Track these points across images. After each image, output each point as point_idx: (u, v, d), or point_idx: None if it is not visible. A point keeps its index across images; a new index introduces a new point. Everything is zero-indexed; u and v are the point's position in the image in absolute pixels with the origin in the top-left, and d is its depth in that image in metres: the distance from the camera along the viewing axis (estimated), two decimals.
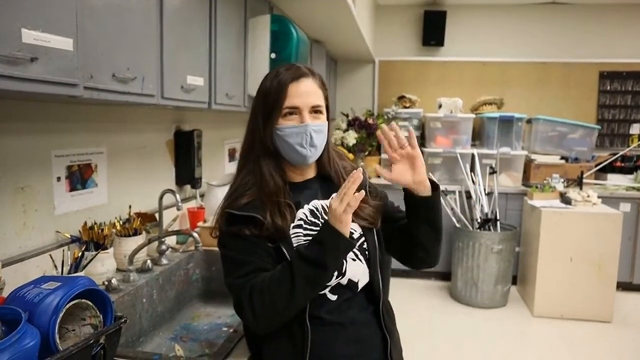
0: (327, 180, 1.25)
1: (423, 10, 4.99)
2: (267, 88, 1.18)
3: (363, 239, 1.21)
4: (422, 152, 4.25)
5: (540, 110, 4.78)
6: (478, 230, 3.94)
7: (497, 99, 4.72)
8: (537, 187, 4.05)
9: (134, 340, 1.58)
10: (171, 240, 2.10)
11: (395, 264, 1.51)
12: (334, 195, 1.08)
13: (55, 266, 1.42)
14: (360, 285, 1.18)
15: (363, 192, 1.02)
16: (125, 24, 1.31)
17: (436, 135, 4.61)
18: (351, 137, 4.67)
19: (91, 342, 0.99)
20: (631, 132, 4.85)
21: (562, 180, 4.20)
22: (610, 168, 4.47)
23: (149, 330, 1.67)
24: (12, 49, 0.91)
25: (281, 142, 1.17)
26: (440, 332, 3.46)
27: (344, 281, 1.16)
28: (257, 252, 1.11)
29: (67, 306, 0.96)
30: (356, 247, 1.18)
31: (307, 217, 1.17)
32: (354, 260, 1.17)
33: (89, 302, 1.03)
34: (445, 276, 4.36)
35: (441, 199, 1.23)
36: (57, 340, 0.93)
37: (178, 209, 1.79)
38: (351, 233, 1.16)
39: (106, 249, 1.59)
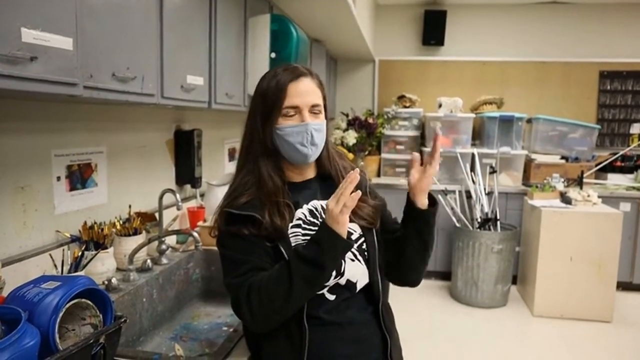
0: (327, 180, 1.25)
1: (423, 10, 4.99)
2: (265, 88, 1.17)
3: (362, 239, 1.21)
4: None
5: (540, 109, 4.78)
6: (478, 229, 3.94)
7: (497, 99, 4.71)
8: (537, 187, 4.05)
9: (134, 340, 1.58)
10: (171, 240, 2.10)
11: None
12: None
13: (55, 266, 1.42)
14: (359, 286, 1.18)
15: (359, 191, 1.02)
16: (125, 23, 1.31)
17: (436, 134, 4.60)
18: (351, 137, 4.66)
19: (91, 341, 0.98)
20: (631, 131, 4.85)
21: (563, 179, 4.20)
22: (610, 168, 4.47)
23: (149, 330, 1.67)
24: (12, 48, 0.91)
25: (281, 142, 1.17)
26: (440, 331, 3.46)
27: (342, 281, 1.16)
28: (256, 252, 1.12)
29: (67, 306, 0.96)
30: (355, 247, 1.18)
31: (306, 217, 1.17)
32: (352, 260, 1.17)
33: (89, 302, 1.03)
34: (445, 276, 4.36)
35: (436, 218, 1.23)
36: (57, 340, 0.93)
37: (178, 209, 1.79)
38: (350, 233, 1.16)
39: (106, 248, 1.59)
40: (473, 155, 4.32)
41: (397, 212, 1.33)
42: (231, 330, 1.44)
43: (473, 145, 4.61)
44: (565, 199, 3.85)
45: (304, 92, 1.16)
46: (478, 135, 4.72)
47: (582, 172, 4.23)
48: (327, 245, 1.04)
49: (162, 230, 1.91)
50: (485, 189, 4.11)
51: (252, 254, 1.11)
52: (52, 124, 1.53)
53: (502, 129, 4.43)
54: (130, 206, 1.90)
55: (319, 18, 3.17)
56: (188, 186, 2.43)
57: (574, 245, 3.63)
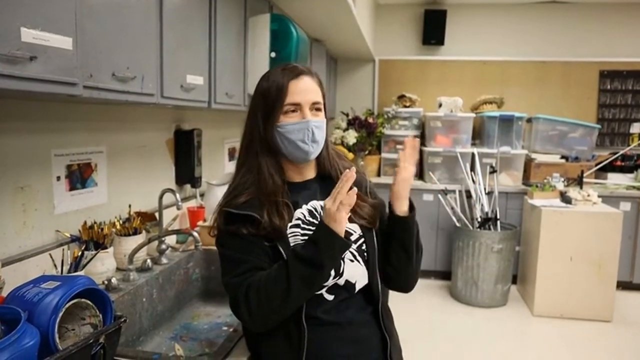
0: (326, 181, 1.25)
1: (423, 10, 4.99)
2: (266, 87, 1.18)
3: (362, 240, 1.20)
4: (422, 152, 4.19)
5: (540, 109, 4.77)
6: (478, 229, 3.94)
7: (497, 98, 4.71)
8: (537, 186, 4.05)
9: (134, 340, 1.58)
10: (171, 240, 2.10)
11: None
12: None
13: (55, 265, 1.41)
14: (358, 287, 1.18)
15: (355, 189, 1.02)
16: (124, 22, 1.31)
17: (436, 134, 4.61)
18: (351, 137, 4.66)
19: (91, 341, 0.98)
20: (631, 131, 4.85)
21: (563, 179, 4.20)
22: (610, 167, 4.47)
23: (149, 330, 1.67)
24: (12, 48, 0.91)
25: (282, 140, 1.17)
26: (440, 331, 3.46)
27: (341, 282, 1.15)
28: (254, 251, 1.12)
29: (67, 305, 0.96)
30: (355, 248, 1.18)
31: (305, 217, 1.17)
32: (352, 261, 1.17)
33: (89, 302, 1.03)
34: (446, 275, 4.36)
35: (416, 224, 1.23)
36: (57, 340, 0.93)
37: (178, 208, 1.79)
38: (350, 234, 1.16)
39: (106, 248, 1.59)
40: (473, 154, 4.32)
41: None
42: (231, 330, 1.44)
43: (473, 144, 4.61)
44: (565, 199, 3.85)
45: (305, 89, 1.16)
46: (478, 135, 4.72)
47: (582, 172, 4.23)
48: (324, 245, 1.04)
49: (162, 230, 1.91)
50: (485, 189, 4.11)
51: (250, 253, 1.11)
52: (51, 123, 1.52)
53: (502, 129, 4.43)
54: (130, 206, 1.90)
55: (319, 18, 3.17)
56: (188, 186, 2.43)
57: (574, 244, 3.63)
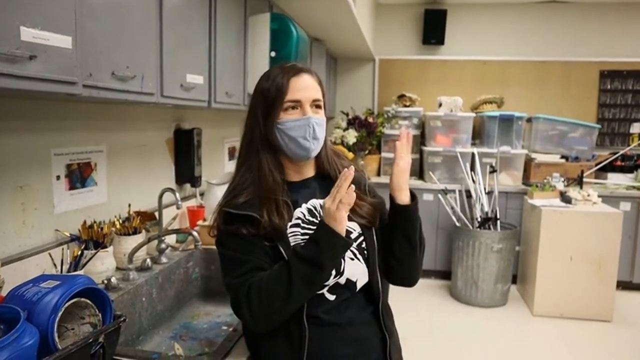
0: (325, 180, 1.25)
1: (423, 9, 4.99)
2: (266, 85, 1.18)
3: (362, 238, 1.20)
4: (422, 152, 4.18)
5: (540, 109, 4.77)
6: (478, 229, 3.94)
7: (498, 98, 4.71)
8: (537, 186, 4.05)
9: (134, 339, 1.58)
10: (171, 239, 2.10)
11: None
12: None
13: (55, 265, 1.42)
14: (359, 285, 1.18)
15: (353, 186, 1.02)
16: (124, 22, 1.30)
17: (436, 134, 4.61)
18: (351, 136, 4.66)
19: (90, 340, 0.98)
20: (631, 131, 4.85)
21: (563, 179, 4.20)
22: (610, 167, 4.47)
23: (148, 329, 1.67)
24: (11, 47, 0.90)
25: (283, 137, 1.16)
26: (440, 331, 3.46)
27: (342, 281, 1.15)
28: (255, 251, 1.11)
29: (66, 305, 0.96)
30: (355, 246, 1.18)
31: (304, 216, 1.17)
32: (352, 259, 1.17)
33: (88, 301, 1.02)
34: (445, 275, 4.36)
35: (418, 214, 1.22)
36: (56, 339, 0.93)
37: (178, 208, 1.79)
38: (350, 232, 1.16)
39: (105, 247, 1.59)
40: (473, 154, 4.32)
41: None
42: (231, 329, 1.44)
43: (473, 144, 4.61)
44: (565, 199, 3.85)
45: (305, 87, 1.17)
46: (478, 135, 4.72)
47: (582, 172, 4.23)
48: (325, 244, 1.04)
49: (161, 230, 1.91)
50: (485, 189, 4.11)
51: (251, 253, 1.11)
52: (51, 123, 1.52)
53: (502, 129, 4.43)
54: (129, 205, 1.90)
55: (319, 17, 3.17)
56: (188, 185, 2.43)
57: (574, 244, 3.63)
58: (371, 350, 1.20)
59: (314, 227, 1.12)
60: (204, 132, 2.44)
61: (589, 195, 3.79)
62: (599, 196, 3.83)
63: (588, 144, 4.57)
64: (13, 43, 0.91)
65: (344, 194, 1.01)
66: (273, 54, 2.31)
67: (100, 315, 1.04)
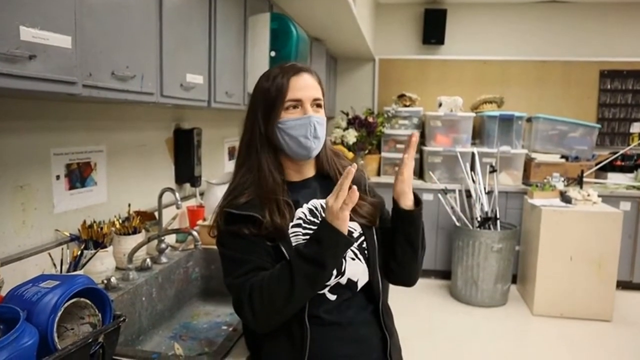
0: (326, 180, 1.25)
1: (423, 9, 4.99)
2: (266, 85, 1.17)
3: (362, 238, 1.20)
4: (422, 151, 4.18)
5: (540, 108, 4.77)
6: (478, 229, 3.94)
7: (498, 98, 4.71)
8: (537, 186, 4.05)
9: (134, 339, 1.58)
10: (171, 239, 2.10)
11: None
12: None
13: (55, 265, 1.41)
14: (360, 285, 1.18)
15: (355, 187, 1.01)
16: (124, 21, 1.30)
17: (436, 133, 4.61)
18: (351, 136, 4.66)
19: (90, 340, 0.98)
20: (631, 130, 4.85)
21: (563, 179, 4.20)
22: (610, 167, 4.47)
23: (148, 329, 1.67)
24: (11, 47, 0.90)
25: (283, 137, 1.16)
26: (440, 331, 3.46)
27: (343, 281, 1.15)
28: (256, 251, 1.11)
29: (66, 305, 0.95)
30: (356, 246, 1.18)
31: (306, 216, 1.17)
32: (353, 259, 1.17)
33: (88, 301, 1.02)
34: (445, 275, 4.36)
35: (422, 217, 1.22)
36: (56, 339, 0.93)
37: (177, 208, 1.78)
38: (350, 232, 1.16)
39: (105, 247, 1.59)
40: (473, 154, 4.32)
41: None
42: (230, 329, 1.44)
43: (473, 144, 4.61)
44: (565, 198, 3.85)
45: (306, 86, 1.16)
46: (478, 135, 4.72)
47: (582, 172, 4.23)
48: (327, 243, 1.04)
49: (161, 229, 1.91)
50: (485, 188, 4.11)
51: (252, 253, 1.11)
52: (51, 122, 1.52)
53: (502, 128, 4.43)
54: (129, 205, 1.90)
55: (319, 17, 3.17)
56: (188, 185, 2.43)
57: (574, 244, 3.63)
58: (371, 350, 1.19)
59: (315, 227, 1.12)
60: (204, 132, 2.44)
61: (589, 195, 3.79)
62: (599, 196, 3.83)
63: (588, 143, 4.57)
64: (13, 43, 0.91)
65: (346, 191, 1.01)
66: (273, 53, 2.31)
67: (99, 315, 1.04)
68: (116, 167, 1.85)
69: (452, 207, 4.13)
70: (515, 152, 4.39)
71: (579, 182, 4.17)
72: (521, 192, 4.25)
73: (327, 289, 1.14)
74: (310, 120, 1.15)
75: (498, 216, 4.02)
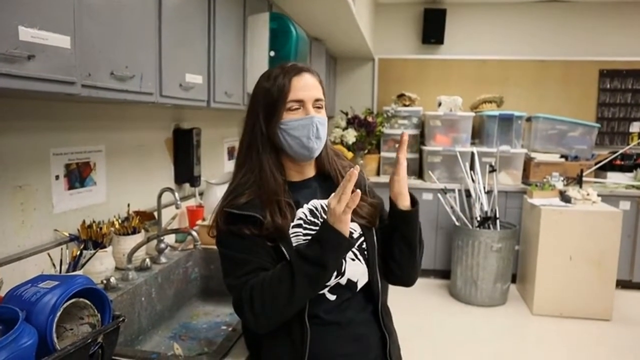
0: (326, 180, 1.25)
1: (423, 8, 4.99)
2: (267, 85, 1.16)
3: (362, 238, 1.20)
4: (421, 151, 4.18)
5: (540, 108, 4.77)
6: (477, 228, 3.94)
7: (497, 97, 4.71)
8: (536, 186, 4.05)
9: (133, 339, 1.58)
10: (170, 239, 2.10)
11: None
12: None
13: (54, 265, 1.41)
14: (360, 285, 1.18)
15: (359, 191, 1.01)
16: (123, 21, 1.30)
17: (436, 133, 4.61)
18: (350, 136, 4.66)
19: (89, 341, 0.98)
20: (631, 130, 4.85)
21: (562, 178, 4.20)
22: (610, 166, 4.47)
23: (147, 329, 1.67)
24: (9, 47, 0.90)
25: (285, 137, 1.15)
26: (439, 330, 3.46)
27: (343, 281, 1.15)
28: (257, 252, 1.11)
29: (65, 305, 0.95)
30: (356, 247, 1.18)
31: (306, 216, 1.17)
32: (353, 260, 1.17)
33: (87, 301, 1.02)
34: (445, 274, 4.36)
35: (419, 218, 1.22)
36: (55, 340, 0.93)
37: (177, 208, 1.79)
38: (350, 233, 1.16)
39: (105, 247, 1.58)
40: (473, 154, 4.32)
41: None
42: (230, 329, 1.44)
43: (472, 144, 4.61)
44: (564, 198, 3.85)
45: (307, 86, 1.16)
46: (478, 134, 4.72)
47: (582, 171, 4.23)
48: (329, 244, 1.04)
49: (161, 229, 1.91)
50: (484, 188, 4.11)
51: (253, 254, 1.11)
52: (50, 122, 1.52)
53: (502, 128, 4.43)
54: (129, 205, 1.90)
55: (319, 16, 3.17)
56: (187, 185, 2.43)
57: (574, 243, 3.63)
58: (371, 350, 1.20)
59: (316, 228, 1.12)
60: (203, 132, 2.44)
61: (588, 195, 3.79)
62: (598, 195, 3.84)
63: (587, 143, 4.57)
64: (11, 43, 0.91)
65: (350, 194, 1.01)
66: (272, 53, 2.31)
67: (99, 315, 1.04)
68: (115, 167, 1.85)
69: (451, 207, 4.13)
70: (514, 152, 4.40)
71: (579, 181, 4.17)
72: (521, 191, 4.26)
73: (327, 289, 1.14)
74: (313, 120, 1.15)
75: (497, 216, 4.02)
